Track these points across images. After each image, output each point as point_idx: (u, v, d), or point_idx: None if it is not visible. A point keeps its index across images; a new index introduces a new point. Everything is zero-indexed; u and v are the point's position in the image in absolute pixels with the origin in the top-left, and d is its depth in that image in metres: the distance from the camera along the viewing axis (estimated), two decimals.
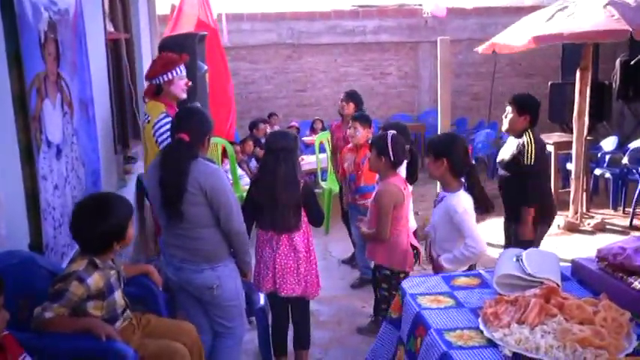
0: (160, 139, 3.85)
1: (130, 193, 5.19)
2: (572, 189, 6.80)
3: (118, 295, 2.71)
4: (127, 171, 5.10)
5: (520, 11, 8.99)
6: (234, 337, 3.27)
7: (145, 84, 4.30)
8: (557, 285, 2.24)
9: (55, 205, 3.05)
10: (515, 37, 6.39)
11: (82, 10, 3.63)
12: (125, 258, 4.81)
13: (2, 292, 1.94)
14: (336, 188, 6.67)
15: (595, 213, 7.18)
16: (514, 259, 2.43)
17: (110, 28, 5.20)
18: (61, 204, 3.15)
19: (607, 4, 5.99)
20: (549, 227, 4.22)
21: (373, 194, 3.78)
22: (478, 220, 3.37)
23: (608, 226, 6.71)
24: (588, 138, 6.97)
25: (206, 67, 4.85)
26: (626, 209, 7.20)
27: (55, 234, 3.03)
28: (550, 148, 7.52)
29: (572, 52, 7.44)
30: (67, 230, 3.23)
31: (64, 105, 3.26)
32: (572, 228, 6.59)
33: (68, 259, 3.23)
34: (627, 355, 1.78)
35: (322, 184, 7.06)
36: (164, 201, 2.98)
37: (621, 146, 7.96)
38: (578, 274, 2.47)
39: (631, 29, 5.61)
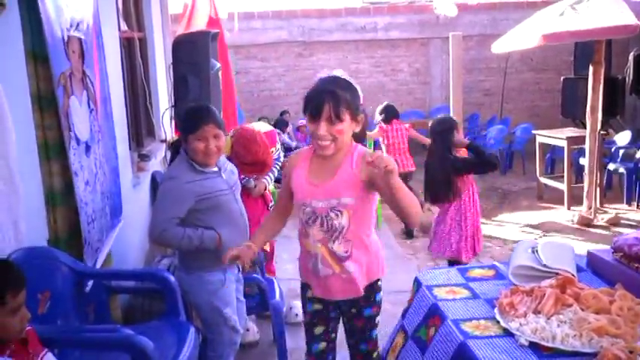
0: None
1: (144, 190, 5.25)
2: (585, 184, 6.79)
3: None
4: (141, 168, 5.14)
5: (532, 6, 8.98)
6: (212, 347, 3.15)
7: None
8: (573, 276, 2.25)
9: (87, 200, 3.08)
10: (526, 36, 6.38)
11: (97, 7, 3.68)
12: (141, 252, 4.86)
13: (24, 289, 1.93)
14: None
15: (609, 208, 7.17)
16: (529, 251, 2.45)
17: (124, 26, 5.25)
18: (93, 200, 3.18)
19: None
20: None
21: None
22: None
23: (622, 221, 6.69)
24: (601, 133, 6.95)
25: (219, 65, 4.88)
26: None
27: (88, 229, 3.06)
28: (563, 144, 7.53)
29: (585, 46, 7.41)
30: (100, 225, 3.29)
31: (89, 102, 3.30)
32: (586, 223, 6.58)
33: (101, 256, 3.29)
34: None
35: None
36: None
37: (635, 141, 7.94)
38: (593, 265, 2.48)
39: None
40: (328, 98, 2.22)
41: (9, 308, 1.86)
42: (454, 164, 3.99)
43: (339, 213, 2.33)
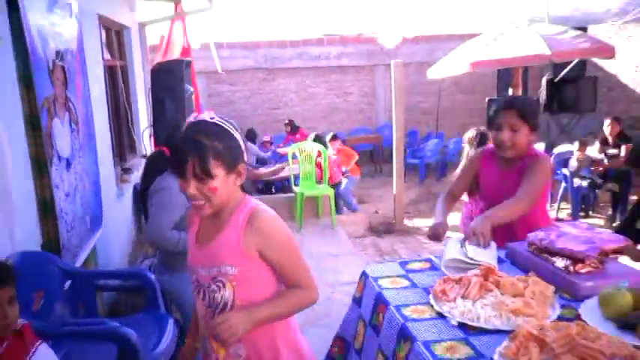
0: None
1: (127, 199, 5.18)
2: None
3: None
4: (124, 180, 5.08)
5: (462, 38, 9.20)
6: None
7: None
8: (494, 266, 2.32)
9: (67, 210, 3.05)
10: (457, 64, 6.55)
11: (82, 39, 3.64)
12: (124, 254, 4.80)
13: (14, 286, 1.84)
14: (307, 191, 6.75)
15: None
16: (458, 245, 2.51)
17: (107, 55, 5.19)
18: (72, 210, 3.15)
19: (533, 33, 6.19)
20: None
21: None
22: None
23: None
24: None
25: (192, 90, 4.88)
26: (552, 204, 7.41)
27: (68, 236, 3.03)
28: None
29: (506, 72, 7.64)
30: (79, 232, 3.24)
31: (71, 123, 3.26)
32: None
33: (80, 259, 3.24)
34: (552, 321, 1.86)
35: (295, 188, 7.10)
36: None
37: (548, 152, 8.18)
38: (511, 256, 2.56)
39: (551, 53, 5.81)
40: (192, 151, 1.54)
41: None
42: None
43: (220, 285, 1.64)
